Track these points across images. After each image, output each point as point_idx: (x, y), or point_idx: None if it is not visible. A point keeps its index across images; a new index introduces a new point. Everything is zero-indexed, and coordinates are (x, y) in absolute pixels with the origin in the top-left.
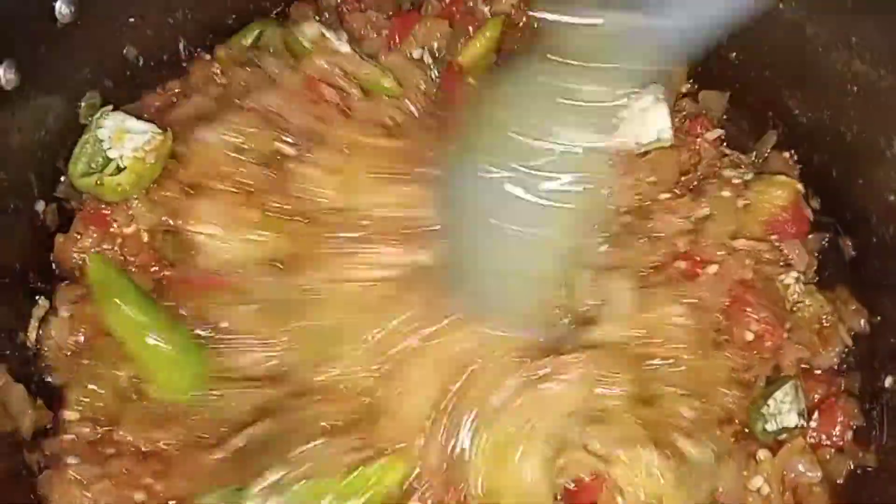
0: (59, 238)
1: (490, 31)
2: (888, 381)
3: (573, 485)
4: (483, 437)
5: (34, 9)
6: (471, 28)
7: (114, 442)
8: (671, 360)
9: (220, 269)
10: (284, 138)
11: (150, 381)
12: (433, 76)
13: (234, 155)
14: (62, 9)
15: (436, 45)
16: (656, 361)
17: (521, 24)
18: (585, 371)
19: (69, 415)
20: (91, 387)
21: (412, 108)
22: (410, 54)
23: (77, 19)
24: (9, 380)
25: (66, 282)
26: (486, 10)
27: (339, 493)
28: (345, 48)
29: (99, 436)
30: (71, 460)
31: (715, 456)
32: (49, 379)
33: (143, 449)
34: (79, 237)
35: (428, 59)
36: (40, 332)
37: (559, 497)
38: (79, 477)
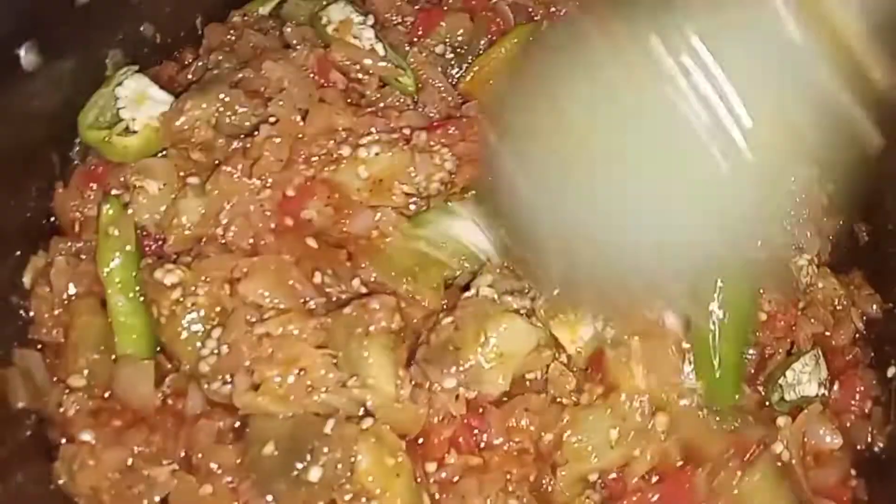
0: (59, 191)
1: (516, 38)
2: (890, 371)
3: None
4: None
5: None
6: (493, 27)
7: (116, 412)
8: None
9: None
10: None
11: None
12: (453, 73)
13: (209, 126)
14: None
15: (458, 40)
16: None
17: None
18: None
19: (76, 381)
20: (93, 352)
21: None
22: (433, 50)
23: None
24: (25, 352)
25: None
26: (506, 5)
27: None
28: (369, 33)
29: (98, 405)
30: (85, 436)
31: None
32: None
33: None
34: (79, 192)
35: (450, 55)
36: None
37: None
38: (100, 461)
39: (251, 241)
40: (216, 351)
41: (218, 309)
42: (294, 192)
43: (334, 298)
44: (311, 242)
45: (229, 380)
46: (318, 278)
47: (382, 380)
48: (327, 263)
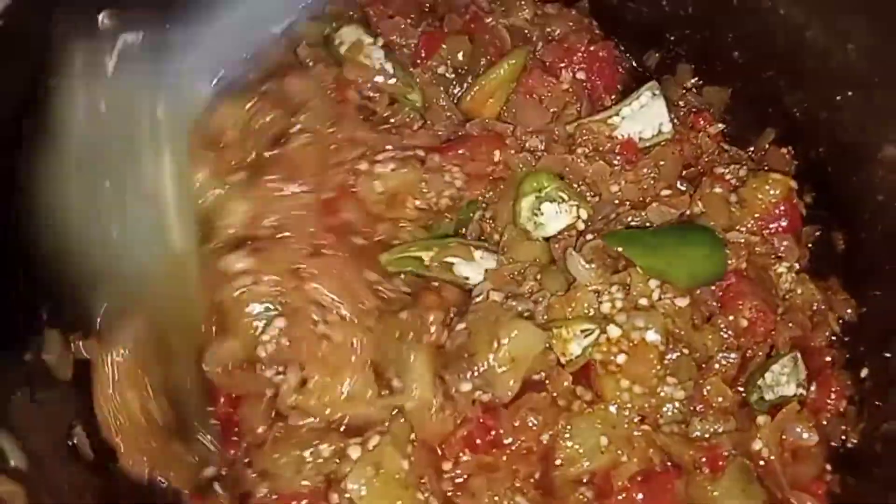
0: None
1: (514, 59)
2: (864, 372)
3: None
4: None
5: None
6: (491, 49)
7: None
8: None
9: None
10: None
11: None
12: (454, 92)
13: (241, 129)
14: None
15: (459, 61)
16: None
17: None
18: None
19: None
20: None
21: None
22: (436, 71)
23: None
24: None
25: None
26: (503, 28)
27: None
28: (378, 54)
29: None
30: None
31: None
32: None
33: None
34: None
35: (451, 76)
36: None
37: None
38: None
39: (311, 242)
40: (276, 340)
41: (282, 300)
42: (332, 193)
43: (385, 297)
44: (358, 240)
45: (282, 370)
46: (368, 276)
47: (422, 386)
48: (375, 261)
